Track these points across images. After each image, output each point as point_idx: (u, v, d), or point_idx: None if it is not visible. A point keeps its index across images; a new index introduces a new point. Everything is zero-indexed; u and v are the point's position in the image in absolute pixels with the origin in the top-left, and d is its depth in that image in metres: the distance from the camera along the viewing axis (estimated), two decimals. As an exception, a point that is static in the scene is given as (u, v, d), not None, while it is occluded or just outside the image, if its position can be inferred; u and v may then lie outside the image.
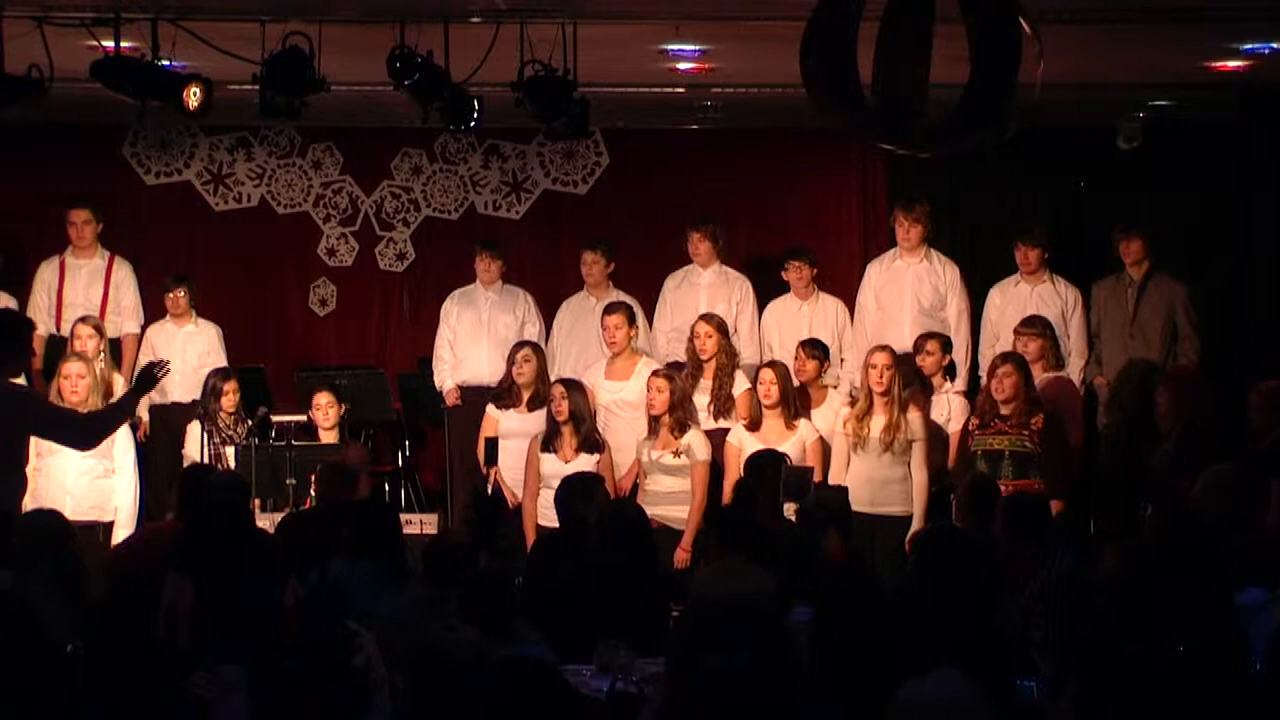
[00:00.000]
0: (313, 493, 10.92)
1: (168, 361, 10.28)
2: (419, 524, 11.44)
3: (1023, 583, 8.18)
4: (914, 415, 11.15)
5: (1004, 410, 10.83)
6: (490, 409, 11.97)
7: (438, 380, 12.95)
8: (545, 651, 7.46)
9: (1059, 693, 6.54)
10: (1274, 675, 6.33)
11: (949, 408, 11.66)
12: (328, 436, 12.09)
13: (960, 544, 7.21)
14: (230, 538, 8.22)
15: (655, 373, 11.51)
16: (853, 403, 11.35)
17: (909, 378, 11.55)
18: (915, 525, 10.92)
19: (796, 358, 11.83)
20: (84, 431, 10.06)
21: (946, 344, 11.90)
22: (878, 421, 11.09)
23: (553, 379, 11.93)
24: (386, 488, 12.65)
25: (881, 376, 11.11)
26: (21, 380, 11.71)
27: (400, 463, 13.29)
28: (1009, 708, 6.15)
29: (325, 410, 12.11)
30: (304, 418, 12.31)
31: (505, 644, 7.14)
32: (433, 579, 8.14)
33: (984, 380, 11.34)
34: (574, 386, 11.47)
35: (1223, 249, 14.12)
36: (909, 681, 4.66)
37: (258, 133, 14.52)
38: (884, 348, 11.37)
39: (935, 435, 11.38)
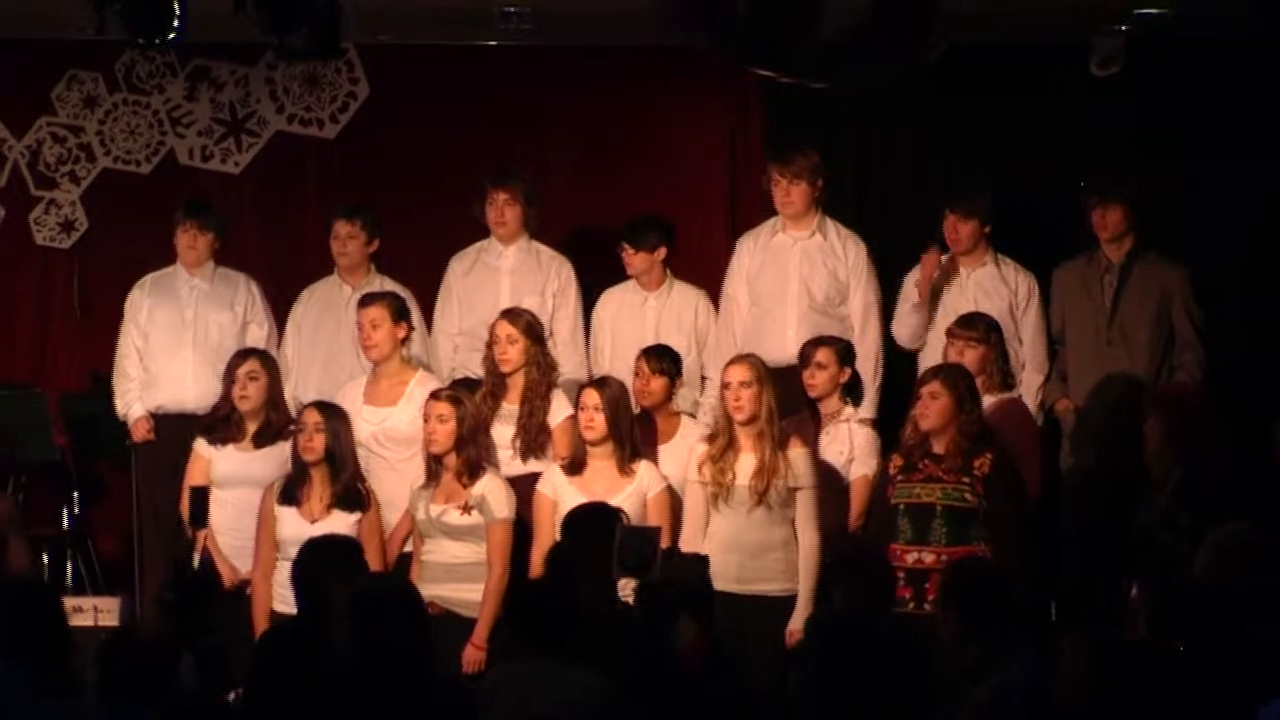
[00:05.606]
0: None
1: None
2: (93, 611, 11.35)
3: (968, 689, 8.23)
4: (797, 454, 11.13)
5: (936, 447, 10.83)
6: (200, 445, 11.90)
7: (120, 405, 12.85)
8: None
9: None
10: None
11: (850, 443, 11.69)
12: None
13: (869, 638, 7.23)
14: None
15: (435, 394, 11.47)
16: (712, 438, 11.33)
17: (793, 401, 11.58)
18: (800, 609, 10.96)
19: (637, 373, 11.84)
20: None
21: (846, 353, 11.91)
22: (745, 463, 11.08)
23: (291, 401, 11.88)
24: (46, 559, 12.54)
25: (739, 398, 11.11)
26: None
27: (67, 523, 13.17)
28: None
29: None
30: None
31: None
32: (113, 691, 8.07)
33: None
34: (333, 413, 11.42)
35: (1235, 218, 14.18)
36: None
37: None
38: (744, 358, 11.35)
39: (830, 482, 11.41)
